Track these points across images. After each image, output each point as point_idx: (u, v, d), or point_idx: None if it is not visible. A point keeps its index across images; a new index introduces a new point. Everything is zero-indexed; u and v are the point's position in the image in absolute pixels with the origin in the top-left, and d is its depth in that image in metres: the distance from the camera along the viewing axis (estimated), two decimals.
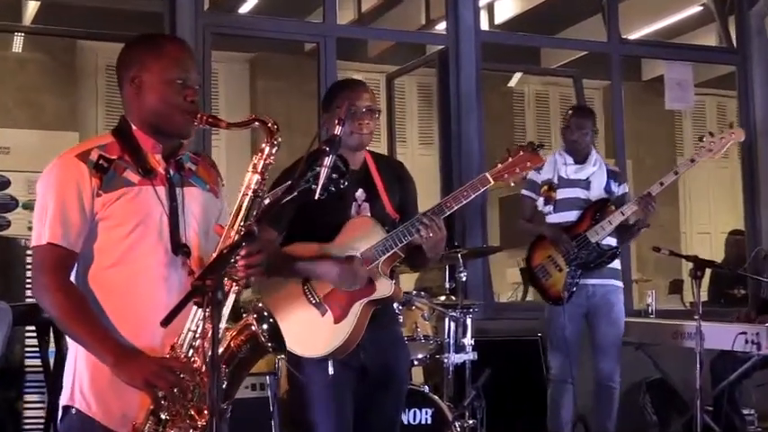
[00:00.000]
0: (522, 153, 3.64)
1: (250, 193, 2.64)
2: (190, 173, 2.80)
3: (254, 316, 2.65)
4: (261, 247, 2.65)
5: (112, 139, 2.72)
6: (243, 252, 2.58)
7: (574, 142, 5.68)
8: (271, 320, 2.66)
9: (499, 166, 3.64)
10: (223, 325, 2.54)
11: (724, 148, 5.53)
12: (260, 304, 2.71)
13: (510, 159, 3.63)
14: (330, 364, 3.58)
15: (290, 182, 2.83)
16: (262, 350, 2.66)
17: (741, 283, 8.07)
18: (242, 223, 2.61)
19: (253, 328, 2.64)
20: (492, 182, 3.62)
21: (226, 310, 2.55)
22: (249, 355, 2.66)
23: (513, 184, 3.73)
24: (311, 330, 3.60)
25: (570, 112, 5.87)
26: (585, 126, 5.69)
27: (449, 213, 3.61)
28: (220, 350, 2.56)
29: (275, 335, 2.65)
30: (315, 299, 3.62)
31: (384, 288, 3.63)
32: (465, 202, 3.61)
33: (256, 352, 2.67)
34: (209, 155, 6.31)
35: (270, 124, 2.68)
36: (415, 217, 3.60)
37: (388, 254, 3.60)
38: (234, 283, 2.61)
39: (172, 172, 2.73)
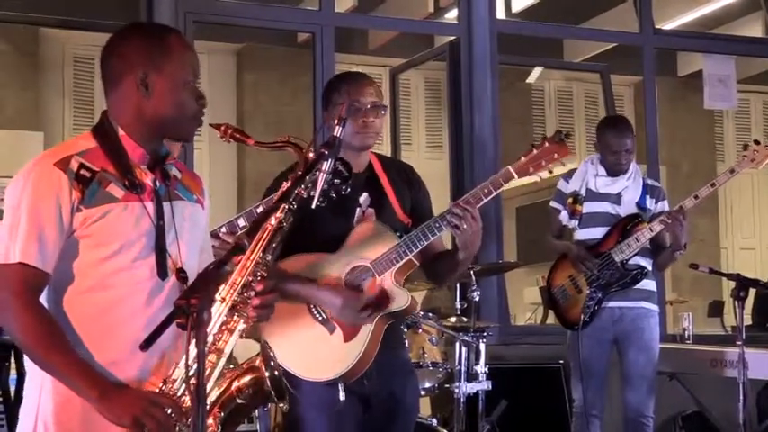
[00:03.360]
0: (547, 144, 3.66)
1: (275, 223, 2.63)
2: (176, 182, 2.80)
3: (261, 359, 2.66)
4: (276, 286, 2.65)
5: (94, 143, 2.69)
6: (258, 287, 2.59)
7: (616, 164, 5.66)
8: (276, 372, 2.66)
9: (523, 159, 3.65)
10: (223, 361, 2.54)
11: None
12: (271, 352, 2.72)
13: (535, 152, 3.65)
14: (341, 388, 3.56)
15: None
16: (265, 398, 2.67)
17: None
18: (261, 256, 2.60)
19: (260, 371, 2.64)
20: (516, 176, 3.63)
21: (227, 348, 2.56)
22: (249, 401, 2.66)
23: (539, 179, 3.73)
24: (318, 351, 3.59)
25: (604, 127, 5.78)
26: (627, 144, 5.65)
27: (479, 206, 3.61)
28: (219, 392, 2.57)
29: (279, 383, 2.66)
30: (321, 315, 3.61)
31: (400, 300, 3.62)
32: (486, 200, 3.61)
33: (257, 399, 2.68)
34: (190, 159, 6.46)
35: (306, 152, 2.72)
36: (440, 213, 3.60)
37: (402, 261, 3.60)
38: (241, 320, 2.60)
39: (158, 183, 2.72)
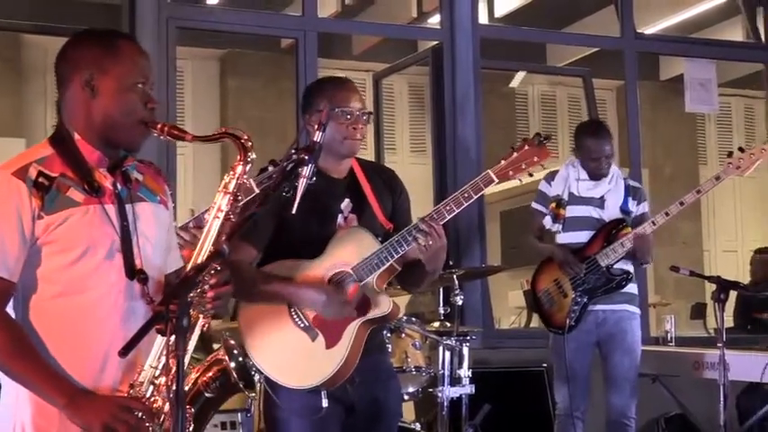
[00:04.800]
0: (527, 147, 3.65)
1: (221, 215, 2.65)
2: (137, 185, 2.79)
3: (225, 351, 2.66)
4: (230, 277, 2.65)
5: (52, 150, 2.69)
6: (212, 281, 2.59)
7: (596, 169, 5.68)
8: (240, 359, 2.66)
9: (503, 162, 3.65)
10: (188, 359, 2.53)
11: (753, 165, 5.58)
12: (231, 340, 2.72)
13: (515, 155, 3.65)
14: (323, 395, 3.55)
15: (264, 192, 2.84)
16: (232, 389, 2.67)
17: None
18: (210, 249, 2.62)
19: (224, 363, 2.64)
20: (496, 180, 3.63)
21: (191, 344, 2.56)
22: (218, 394, 2.67)
23: (520, 182, 3.74)
24: (300, 358, 3.58)
25: (583, 133, 5.82)
26: (606, 150, 5.68)
27: (449, 218, 3.62)
28: (186, 388, 2.56)
29: (245, 372, 2.66)
30: (303, 322, 3.59)
31: (383, 306, 3.61)
32: (467, 204, 3.61)
33: (226, 391, 2.68)
34: (173, 163, 6.45)
35: (243, 140, 2.69)
36: (413, 224, 3.60)
37: (384, 267, 3.59)
38: (201, 316, 2.62)
39: (119, 186, 2.72)
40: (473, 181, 3.64)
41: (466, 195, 3.61)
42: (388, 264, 3.59)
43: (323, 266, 3.63)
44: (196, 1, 8.70)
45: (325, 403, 3.54)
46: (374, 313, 3.61)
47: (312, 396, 3.55)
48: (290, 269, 3.64)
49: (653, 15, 9.91)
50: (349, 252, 3.63)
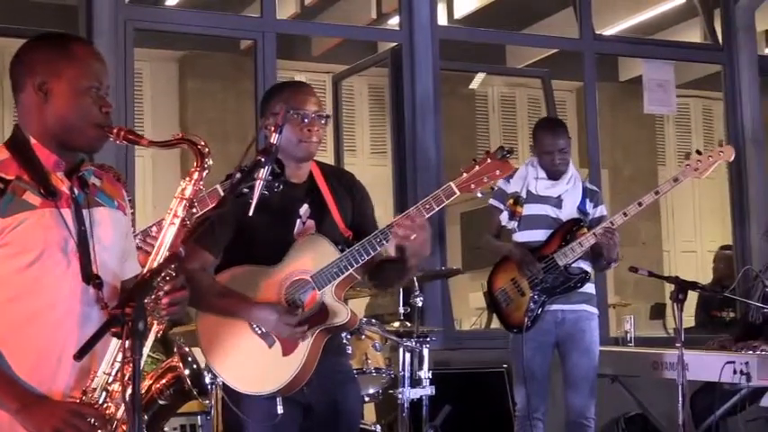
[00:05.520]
0: (489, 161, 3.65)
1: (177, 221, 2.64)
2: (95, 189, 2.78)
3: (179, 357, 2.65)
4: (185, 283, 2.65)
5: (7, 154, 2.68)
6: (167, 287, 2.58)
7: (551, 165, 5.71)
8: (194, 366, 2.66)
9: (465, 175, 3.65)
10: (143, 363, 2.52)
11: (711, 167, 5.64)
12: (185, 346, 2.71)
13: (477, 168, 3.64)
14: (279, 402, 3.57)
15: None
16: (186, 396, 2.66)
17: (731, 305, 8.18)
18: (167, 252, 2.61)
19: (178, 370, 2.63)
20: (458, 192, 3.63)
21: (145, 350, 2.55)
22: (172, 401, 2.65)
23: (480, 195, 3.75)
24: (256, 364, 3.60)
25: (539, 128, 5.88)
26: (560, 144, 5.72)
27: None
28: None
29: (198, 380, 2.66)
30: (260, 329, 3.60)
31: (340, 315, 3.63)
32: (428, 216, 3.63)
33: (180, 397, 2.67)
34: (132, 167, 6.41)
35: (200, 146, 2.69)
36: (373, 234, 3.60)
37: (343, 276, 3.60)
38: (156, 322, 2.61)
39: (76, 191, 2.70)
40: (435, 193, 3.64)
41: (428, 207, 3.61)
42: (347, 273, 3.60)
43: (282, 273, 3.64)
44: (154, 2, 8.66)
45: (280, 410, 3.56)
46: (331, 322, 3.63)
47: (268, 402, 3.57)
48: (248, 275, 3.65)
49: (612, 17, 9.97)
50: (308, 260, 3.63)
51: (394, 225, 3.56)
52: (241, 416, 3.57)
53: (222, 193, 3.46)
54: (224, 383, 3.63)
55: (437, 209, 3.62)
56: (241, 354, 3.59)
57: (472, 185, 3.63)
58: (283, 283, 3.63)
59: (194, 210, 2.67)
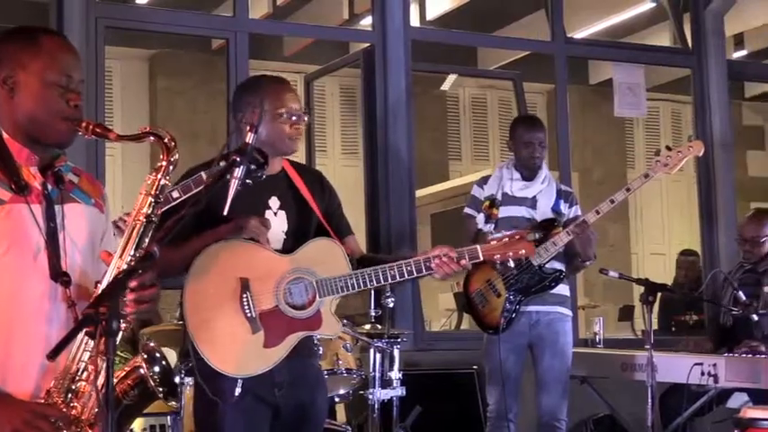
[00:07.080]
0: (519, 238, 3.73)
1: (142, 218, 2.61)
2: (71, 186, 2.75)
3: (144, 357, 2.63)
4: (155, 280, 2.62)
5: None
6: (133, 284, 2.53)
7: (530, 159, 5.73)
8: (163, 363, 2.63)
9: (493, 243, 3.73)
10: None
11: (681, 162, 5.65)
12: (151, 343, 2.69)
13: (506, 240, 3.72)
14: (239, 384, 3.53)
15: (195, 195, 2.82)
16: (151, 396, 2.64)
17: (693, 309, 8.24)
18: (132, 253, 2.57)
19: (141, 371, 2.61)
20: (481, 258, 3.70)
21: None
22: (137, 401, 2.63)
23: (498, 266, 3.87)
24: (235, 346, 3.57)
25: (516, 124, 5.91)
26: (540, 137, 5.74)
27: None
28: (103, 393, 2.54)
29: (167, 378, 2.63)
30: (251, 312, 3.57)
31: (330, 328, 3.66)
32: (451, 271, 3.68)
33: (145, 398, 2.65)
34: (101, 162, 6.38)
35: (166, 140, 2.67)
36: (404, 261, 3.62)
37: (344, 294, 3.61)
38: (121, 321, 2.56)
39: (50, 187, 2.67)
40: (460, 249, 3.68)
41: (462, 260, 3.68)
42: (351, 292, 3.62)
43: (290, 265, 3.62)
44: (125, 0, 8.62)
45: (238, 391, 3.54)
46: (322, 333, 3.67)
47: (229, 380, 3.54)
48: (252, 250, 3.62)
49: (583, 20, 10.02)
50: (319, 263, 3.64)
51: (432, 259, 3.60)
52: (209, 394, 3.53)
53: (206, 180, 3.43)
54: (199, 358, 3.59)
55: (469, 265, 3.72)
56: (225, 330, 3.56)
57: (496, 256, 3.71)
58: (287, 272, 3.62)
59: (160, 204, 2.63)
